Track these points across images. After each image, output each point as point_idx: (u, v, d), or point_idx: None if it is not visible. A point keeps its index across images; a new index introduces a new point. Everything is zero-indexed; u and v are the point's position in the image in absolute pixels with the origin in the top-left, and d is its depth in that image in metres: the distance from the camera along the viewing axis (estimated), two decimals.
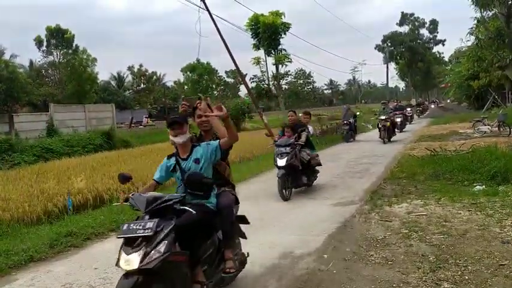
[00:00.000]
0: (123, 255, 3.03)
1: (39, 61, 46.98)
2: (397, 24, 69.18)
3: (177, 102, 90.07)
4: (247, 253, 4.36)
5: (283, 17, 17.85)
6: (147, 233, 3.03)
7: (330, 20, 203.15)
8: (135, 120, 49.49)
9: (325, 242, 5.50)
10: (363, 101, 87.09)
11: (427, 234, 5.39)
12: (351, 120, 20.38)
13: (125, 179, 3.81)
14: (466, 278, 4.08)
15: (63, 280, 4.85)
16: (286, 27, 18.18)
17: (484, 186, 7.70)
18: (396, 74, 73.80)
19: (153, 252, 2.99)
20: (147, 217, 3.21)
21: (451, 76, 46.37)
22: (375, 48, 68.35)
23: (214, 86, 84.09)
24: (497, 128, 17.01)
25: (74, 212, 8.08)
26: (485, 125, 17.52)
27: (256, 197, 8.73)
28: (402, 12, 69.39)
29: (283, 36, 18.12)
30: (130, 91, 77.72)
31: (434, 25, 70.10)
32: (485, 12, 19.82)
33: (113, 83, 75.05)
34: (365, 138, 20.55)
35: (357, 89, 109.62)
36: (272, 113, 48.23)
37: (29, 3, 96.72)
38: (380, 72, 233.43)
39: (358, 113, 25.44)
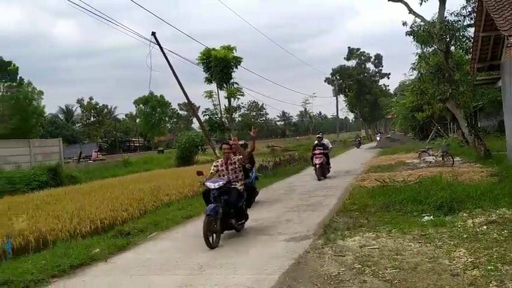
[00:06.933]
0: None
1: None
2: (344, 58, 72.00)
3: (128, 135, 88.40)
4: None
5: (234, 51, 18.08)
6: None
7: (282, 55, 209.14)
8: (84, 155, 47.95)
9: (279, 280, 5.38)
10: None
11: (379, 269, 5.40)
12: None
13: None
14: None
15: None
16: (237, 61, 18.42)
17: (432, 217, 7.89)
18: (346, 106, 76.28)
19: None
20: None
21: (396, 108, 48.56)
22: (325, 81, 70.72)
23: (167, 118, 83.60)
24: (441, 158, 17.79)
25: (14, 256, 7.55)
26: (430, 155, 18.27)
27: None
28: (349, 47, 72.42)
29: (235, 70, 18.33)
30: (80, 124, 75.50)
31: (378, 59, 73.56)
32: (425, 48, 21.12)
33: (61, 116, 72.76)
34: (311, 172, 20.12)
35: (309, 121, 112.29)
36: None
37: None
38: (330, 104, 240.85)
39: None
